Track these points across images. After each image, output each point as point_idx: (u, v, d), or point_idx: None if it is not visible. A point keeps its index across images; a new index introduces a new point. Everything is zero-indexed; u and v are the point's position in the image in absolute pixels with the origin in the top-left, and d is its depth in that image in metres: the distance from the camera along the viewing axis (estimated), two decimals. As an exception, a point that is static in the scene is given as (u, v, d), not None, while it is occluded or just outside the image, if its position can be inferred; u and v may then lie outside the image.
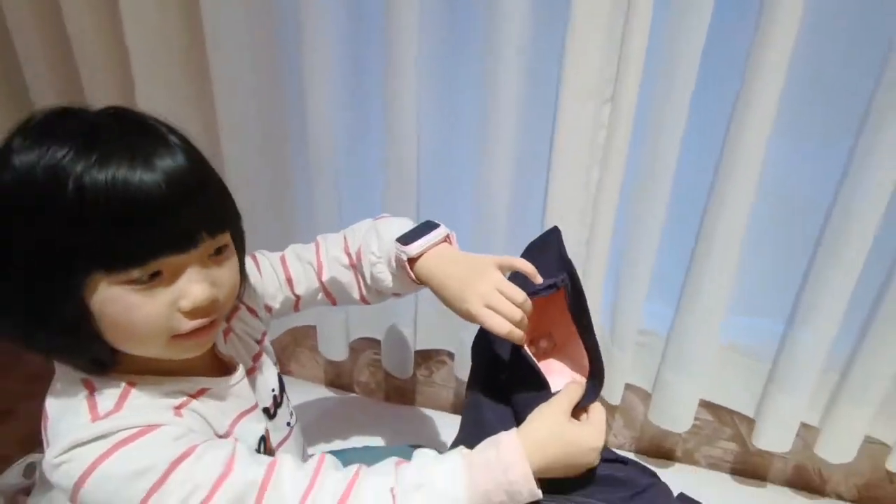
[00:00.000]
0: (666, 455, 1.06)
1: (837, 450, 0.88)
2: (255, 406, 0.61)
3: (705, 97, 0.75)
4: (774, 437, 0.89)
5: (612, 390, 0.96)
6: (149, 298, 0.47)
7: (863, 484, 0.97)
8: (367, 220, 0.71)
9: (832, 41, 0.71)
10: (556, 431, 0.57)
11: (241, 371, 0.60)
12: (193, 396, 0.54)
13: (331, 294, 0.72)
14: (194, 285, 0.48)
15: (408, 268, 0.62)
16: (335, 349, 1.08)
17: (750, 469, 1.01)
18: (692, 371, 0.88)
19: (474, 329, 0.66)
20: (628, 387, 0.99)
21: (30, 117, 0.47)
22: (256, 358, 0.66)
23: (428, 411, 1.13)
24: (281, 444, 0.66)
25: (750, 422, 0.94)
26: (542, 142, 0.82)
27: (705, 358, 0.88)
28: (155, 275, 0.46)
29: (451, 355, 1.07)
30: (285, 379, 0.71)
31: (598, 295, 0.90)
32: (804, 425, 0.90)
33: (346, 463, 0.71)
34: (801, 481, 1.00)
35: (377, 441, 1.01)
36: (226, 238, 0.51)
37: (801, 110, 0.74)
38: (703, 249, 0.81)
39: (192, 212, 0.47)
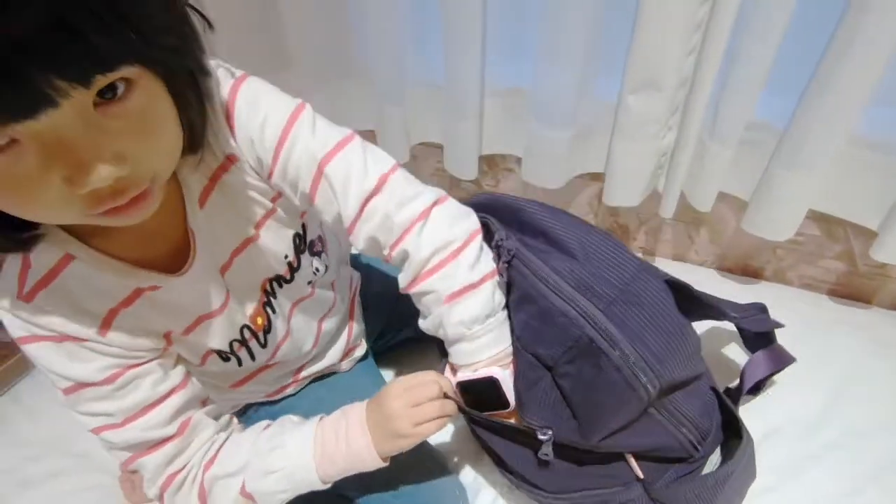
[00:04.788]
0: (754, 274, 0.96)
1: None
2: (225, 305, 0.52)
3: None
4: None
5: (704, 196, 0.84)
6: (13, 166, 0.32)
7: None
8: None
9: None
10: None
11: (196, 267, 0.48)
12: (137, 294, 0.47)
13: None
14: (84, 165, 0.32)
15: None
16: (395, 154, 1.00)
17: (852, 292, 0.91)
18: (811, 166, 0.73)
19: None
20: (722, 196, 0.86)
21: None
22: (261, 224, 0.52)
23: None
24: (298, 302, 0.60)
25: (869, 235, 0.81)
26: None
27: (828, 154, 0.73)
28: (12, 143, 0.31)
29: (518, 161, 0.98)
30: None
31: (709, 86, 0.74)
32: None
33: None
34: (913, 305, 0.89)
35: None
36: (126, 72, 0.33)
37: None
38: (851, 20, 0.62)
39: (24, 44, 0.27)
